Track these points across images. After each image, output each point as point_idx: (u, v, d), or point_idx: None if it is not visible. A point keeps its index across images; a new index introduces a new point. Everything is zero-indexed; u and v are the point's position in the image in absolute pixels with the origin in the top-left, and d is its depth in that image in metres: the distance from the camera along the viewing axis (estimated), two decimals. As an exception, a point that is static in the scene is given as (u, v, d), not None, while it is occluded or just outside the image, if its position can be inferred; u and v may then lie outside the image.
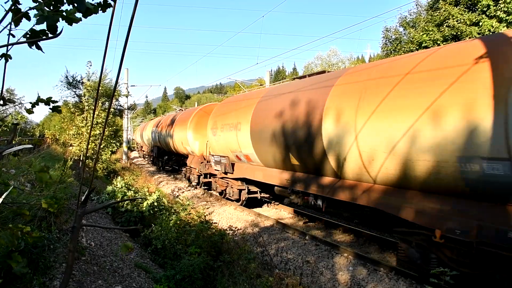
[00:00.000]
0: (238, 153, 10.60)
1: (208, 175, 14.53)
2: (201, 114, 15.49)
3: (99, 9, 1.75)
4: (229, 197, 12.09)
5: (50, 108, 2.11)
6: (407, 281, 5.77)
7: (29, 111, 2.17)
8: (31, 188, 5.30)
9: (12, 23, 1.65)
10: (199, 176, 15.67)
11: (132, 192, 11.63)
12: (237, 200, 11.85)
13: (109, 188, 11.35)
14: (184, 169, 18.31)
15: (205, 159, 14.44)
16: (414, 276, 5.86)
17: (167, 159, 23.16)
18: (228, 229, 8.19)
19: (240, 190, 11.67)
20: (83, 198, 1.85)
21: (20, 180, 5.34)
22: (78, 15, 1.69)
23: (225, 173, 11.82)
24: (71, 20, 1.66)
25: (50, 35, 1.67)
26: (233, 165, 11.46)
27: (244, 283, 5.38)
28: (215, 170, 12.75)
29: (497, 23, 13.00)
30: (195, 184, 16.22)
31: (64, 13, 1.65)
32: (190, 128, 15.37)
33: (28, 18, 1.67)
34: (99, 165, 16.88)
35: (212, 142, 12.54)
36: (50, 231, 4.35)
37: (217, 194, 13.62)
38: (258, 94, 10.25)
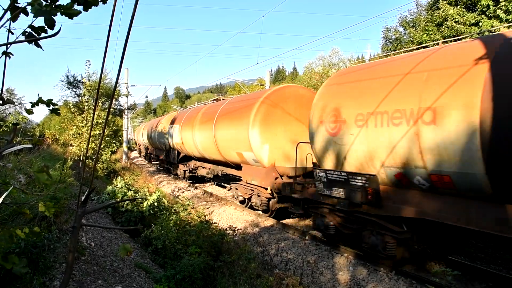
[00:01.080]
0: (414, 170, 5.48)
1: (298, 202, 8.45)
2: (271, 104, 10.04)
3: (100, 0, 1.68)
4: (381, 254, 6.26)
5: (49, 109, 2.11)
6: (407, 281, 5.77)
7: (29, 112, 2.16)
8: (25, 181, 5.32)
9: (10, 19, 1.64)
10: (269, 200, 10.24)
11: (132, 192, 11.65)
12: (398, 262, 6.29)
13: (109, 188, 11.36)
14: (234, 185, 12.14)
15: (279, 173, 9.69)
16: (414, 276, 5.86)
17: (194, 168, 16.72)
18: (228, 229, 8.19)
19: (405, 240, 6.13)
20: (83, 198, 1.85)
21: (15, 174, 5.37)
22: (78, 7, 1.65)
23: (360, 204, 6.49)
24: (70, 14, 1.62)
25: (49, 33, 1.66)
26: (374, 192, 6.15)
27: (244, 283, 5.38)
28: (328, 195, 7.19)
29: (497, 22, 12.98)
30: (261, 210, 10.72)
31: (62, 9, 1.62)
32: (254, 125, 9.87)
33: (26, 13, 1.65)
34: (99, 165, 16.89)
35: (327, 147, 7.18)
36: (50, 231, 4.36)
37: (321, 235, 8.09)
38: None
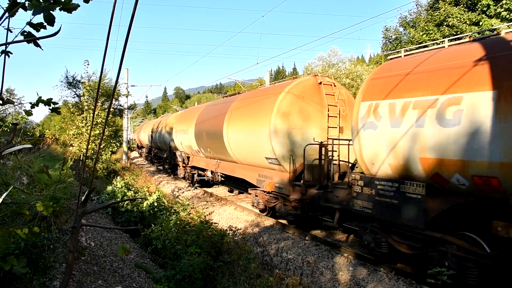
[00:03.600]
0: None
1: None
2: None
3: None
4: None
5: (50, 109, 2.09)
6: (407, 281, 5.77)
7: (28, 113, 2.15)
8: (28, 183, 5.32)
9: (9, 16, 1.63)
10: None
11: (132, 192, 11.65)
12: None
13: (109, 188, 11.35)
14: None
15: None
16: (414, 276, 5.86)
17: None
18: (228, 229, 8.18)
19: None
20: (83, 198, 1.85)
21: (17, 174, 5.36)
22: (76, 1, 1.64)
23: None
24: (69, 8, 1.61)
25: (49, 33, 1.65)
26: None
27: (244, 283, 5.38)
28: None
29: (498, 21, 12.96)
30: None
31: (60, 4, 1.60)
32: None
33: (25, 9, 1.64)
34: (99, 165, 16.87)
35: None
36: (50, 231, 4.35)
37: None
38: None
